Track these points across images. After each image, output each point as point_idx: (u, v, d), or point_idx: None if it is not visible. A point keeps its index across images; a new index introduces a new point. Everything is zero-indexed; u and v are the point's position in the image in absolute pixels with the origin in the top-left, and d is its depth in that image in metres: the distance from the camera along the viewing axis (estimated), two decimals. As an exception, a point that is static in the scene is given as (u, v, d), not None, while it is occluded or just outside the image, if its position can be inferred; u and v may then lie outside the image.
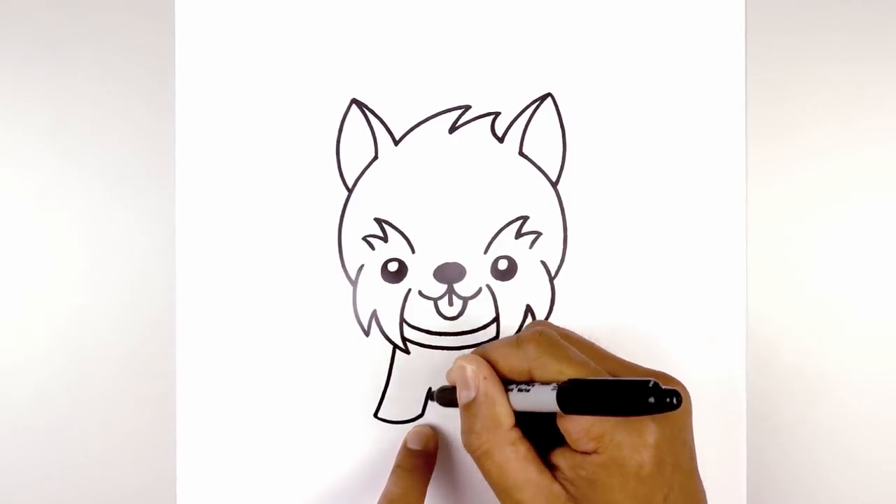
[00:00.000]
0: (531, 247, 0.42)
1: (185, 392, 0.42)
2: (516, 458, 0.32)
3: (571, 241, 0.42)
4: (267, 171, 0.42)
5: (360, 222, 0.42)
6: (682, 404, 0.31)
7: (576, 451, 0.31)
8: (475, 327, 0.42)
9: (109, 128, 0.44)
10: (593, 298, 0.42)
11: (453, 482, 0.43)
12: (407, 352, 0.42)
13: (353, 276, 0.42)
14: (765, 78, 0.43)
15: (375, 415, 0.42)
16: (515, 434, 0.33)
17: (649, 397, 0.28)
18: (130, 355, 0.44)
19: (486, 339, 0.42)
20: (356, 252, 0.42)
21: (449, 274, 0.42)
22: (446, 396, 0.37)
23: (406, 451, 0.41)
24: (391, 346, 0.42)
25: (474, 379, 0.34)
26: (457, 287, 0.42)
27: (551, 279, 0.42)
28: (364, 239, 0.42)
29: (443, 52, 0.42)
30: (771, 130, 0.43)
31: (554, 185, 0.42)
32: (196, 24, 0.42)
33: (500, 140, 0.42)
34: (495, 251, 0.42)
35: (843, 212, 0.43)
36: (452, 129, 0.42)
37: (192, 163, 0.42)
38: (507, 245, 0.42)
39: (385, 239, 0.42)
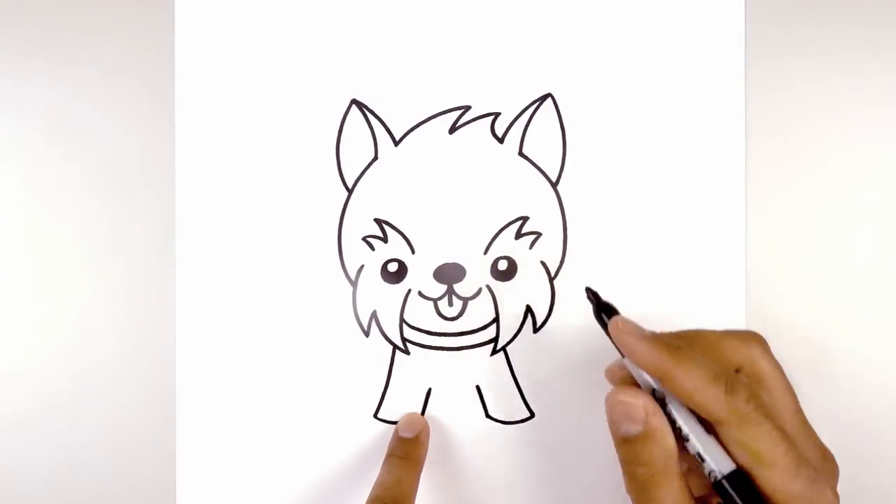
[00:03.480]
0: (531, 247, 0.42)
1: (185, 392, 0.42)
2: (683, 494, 0.32)
3: (571, 241, 0.42)
4: (267, 172, 0.42)
5: (360, 223, 0.42)
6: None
7: None
8: (475, 328, 0.42)
9: (109, 127, 0.44)
10: (593, 299, 0.42)
11: (452, 480, 0.43)
12: (407, 352, 0.42)
13: (352, 276, 0.42)
14: (765, 77, 0.43)
15: (375, 415, 0.42)
16: (682, 466, 0.32)
17: None
18: (130, 355, 0.44)
19: (486, 340, 0.42)
20: (356, 252, 0.42)
21: (449, 274, 0.42)
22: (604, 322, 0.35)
23: (398, 440, 0.41)
24: (391, 347, 0.42)
25: (641, 415, 0.33)
26: (457, 287, 0.42)
27: (551, 279, 0.42)
28: (364, 239, 0.42)
29: (443, 52, 0.42)
30: (771, 129, 0.43)
31: (554, 185, 0.42)
32: (196, 24, 0.42)
33: (500, 140, 0.42)
34: (495, 251, 0.42)
35: (843, 211, 0.43)
36: (452, 129, 0.42)
37: (192, 163, 0.42)
38: (507, 245, 0.42)
39: (385, 239, 0.42)
